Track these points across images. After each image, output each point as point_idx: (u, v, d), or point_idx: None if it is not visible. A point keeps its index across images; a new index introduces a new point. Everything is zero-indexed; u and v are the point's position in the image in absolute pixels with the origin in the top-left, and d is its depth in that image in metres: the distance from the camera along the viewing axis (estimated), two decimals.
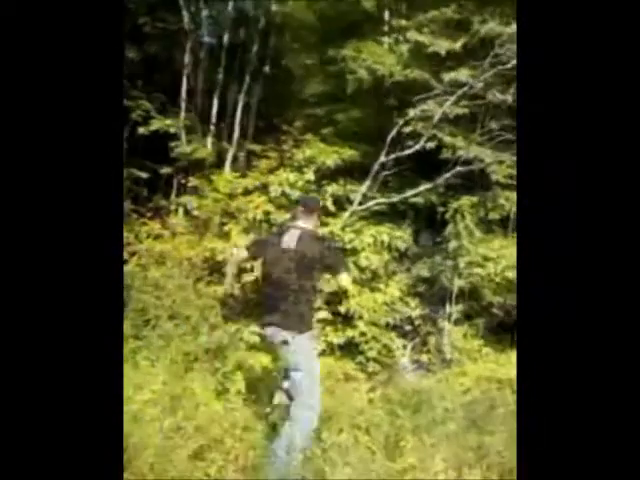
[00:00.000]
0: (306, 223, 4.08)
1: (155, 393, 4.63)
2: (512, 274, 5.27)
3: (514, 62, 5.45)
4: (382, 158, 6.18)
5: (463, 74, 5.90)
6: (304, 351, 3.86)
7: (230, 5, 9.12)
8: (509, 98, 5.62)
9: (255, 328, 5.96)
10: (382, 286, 5.86)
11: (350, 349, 5.72)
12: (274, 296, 3.95)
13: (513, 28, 5.60)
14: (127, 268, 6.98)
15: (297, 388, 3.80)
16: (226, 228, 6.87)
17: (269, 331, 4.06)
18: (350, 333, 5.74)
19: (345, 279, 4.14)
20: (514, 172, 5.53)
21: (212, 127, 8.51)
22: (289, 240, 3.98)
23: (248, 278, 6.11)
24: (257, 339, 5.90)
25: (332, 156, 6.50)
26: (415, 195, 6.02)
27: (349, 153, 6.49)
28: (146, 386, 4.79)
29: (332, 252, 4.13)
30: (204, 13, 10.02)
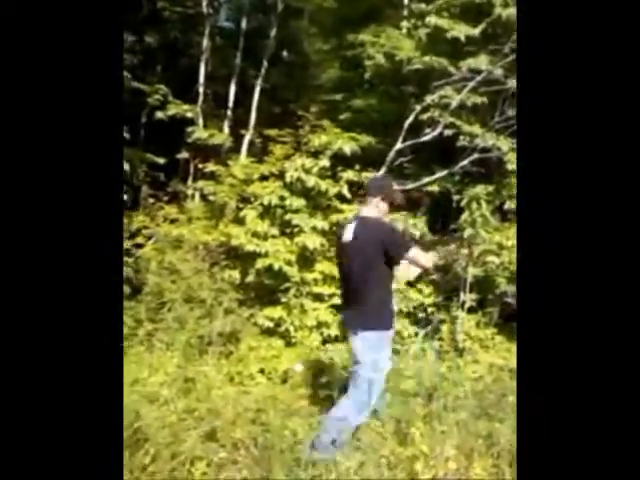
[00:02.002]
0: (369, 211, 3.66)
1: (169, 375, 4.70)
2: None
3: None
4: (399, 145, 6.15)
5: (482, 60, 5.84)
6: (368, 347, 3.59)
7: None
8: None
9: (268, 313, 6.01)
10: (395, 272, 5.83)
11: None
12: (346, 289, 3.78)
13: None
14: (143, 251, 7.06)
15: (353, 381, 3.64)
16: (242, 213, 6.89)
17: (344, 320, 3.95)
18: None
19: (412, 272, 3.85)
20: None
21: (229, 112, 8.51)
22: (347, 233, 3.65)
23: (262, 263, 6.14)
24: (270, 324, 5.95)
25: (349, 142, 6.48)
26: (431, 183, 5.97)
27: (366, 140, 6.46)
28: (161, 368, 4.86)
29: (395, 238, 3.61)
30: None
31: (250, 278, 6.47)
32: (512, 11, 5.79)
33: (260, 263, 6.28)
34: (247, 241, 6.50)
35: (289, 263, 6.21)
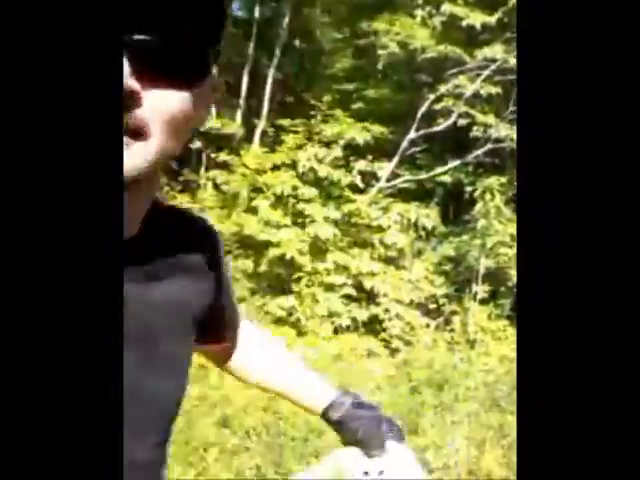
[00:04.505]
0: None
1: None
2: None
3: None
4: (412, 134, 6.13)
5: (497, 49, 5.79)
6: None
7: None
8: None
9: (280, 302, 6.05)
10: (407, 264, 5.86)
11: (374, 326, 5.75)
12: None
13: None
14: None
15: None
16: (254, 203, 6.91)
17: None
18: (374, 310, 5.76)
19: None
20: None
21: (242, 102, 8.51)
22: None
23: (274, 253, 6.17)
24: (282, 313, 5.98)
25: (361, 132, 6.47)
26: (443, 173, 5.95)
27: (378, 130, 6.45)
28: None
29: None
30: None
31: (262, 267, 6.51)
32: None
33: (272, 252, 6.31)
34: (260, 230, 6.53)
35: (301, 252, 6.23)
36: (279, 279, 6.43)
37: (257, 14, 8.92)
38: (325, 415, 0.98)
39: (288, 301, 6.04)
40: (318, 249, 6.29)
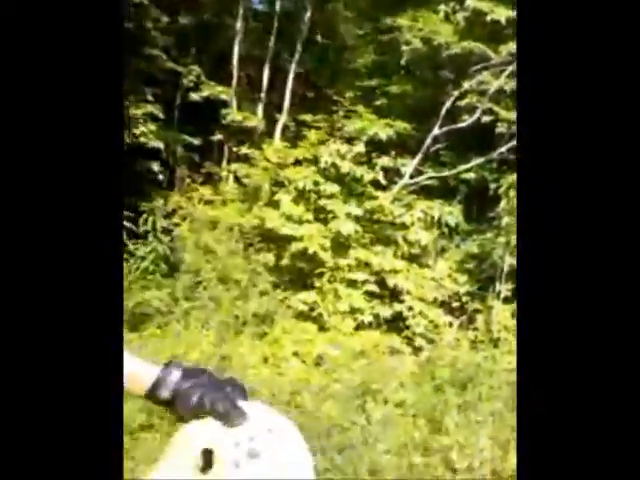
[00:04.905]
0: None
1: (205, 353, 4.80)
2: None
3: None
4: (435, 131, 6.11)
5: None
6: None
7: None
8: None
9: (303, 297, 6.09)
10: (431, 262, 5.86)
11: (397, 323, 5.77)
12: None
13: None
14: (179, 231, 7.17)
15: None
16: (276, 197, 6.94)
17: None
18: (397, 307, 5.78)
19: None
20: None
21: (263, 95, 8.51)
22: None
23: (296, 247, 6.20)
24: (304, 308, 6.02)
25: (384, 128, 6.46)
26: (467, 170, 5.93)
27: (402, 126, 6.43)
28: (197, 346, 4.96)
29: None
30: None
31: (284, 261, 6.55)
32: None
33: (294, 247, 6.34)
34: (281, 224, 6.56)
35: (323, 248, 6.26)
36: (301, 274, 6.46)
37: (278, 7, 8.90)
38: (151, 395, 0.85)
39: (310, 296, 6.07)
40: (340, 245, 6.31)
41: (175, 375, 0.84)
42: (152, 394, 0.85)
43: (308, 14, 8.44)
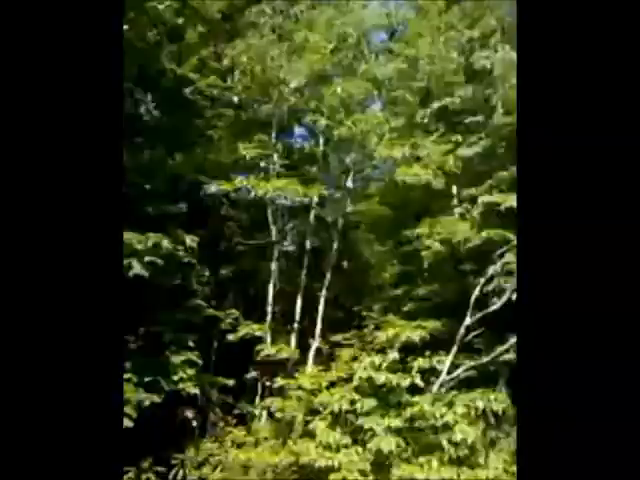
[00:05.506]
0: None
1: None
2: None
3: None
4: (467, 320, 5.65)
5: None
6: None
7: (312, 214, 9.47)
8: None
9: None
10: (482, 460, 4.91)
11: None
12: None
13: None
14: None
15: None
16: (311, 426, 6.30)
17: None
18: None
19: None
20: None
21: (296, 326, 8.35)
22: None
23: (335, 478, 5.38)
24: None
25: (416, 331, 6.04)
26: (505, 351, 5.31)
27: (432, 325, 6.01)
28: None
29: None
30: (289, 226, 10.53)
31: None
32: None
33: (333, 478, 5.55)
34: (318, 455, 5.84)
35: (364, 474, 5.43)
36: None
37: (308, 245, 9.19)
38: None
39: None
40: (381, 466, 5.47)
41: None
42: None
43: (335, 245, 8.65)
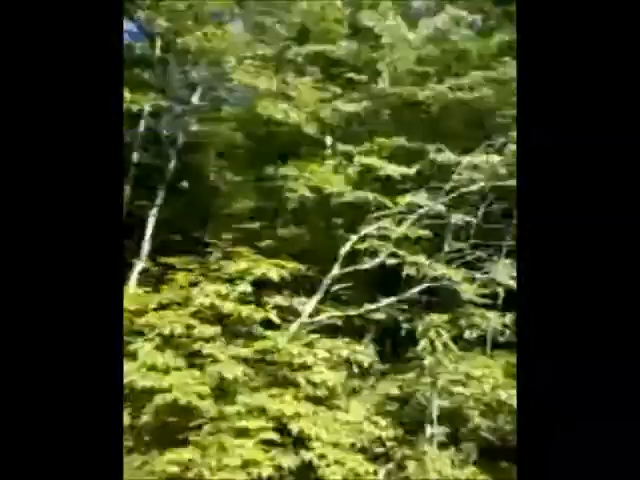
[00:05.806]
0: None
1: None
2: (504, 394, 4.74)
3: (473, 187, 5.65)
4: (335, 271, 5.73)
5: (422, 196, 5.85)
6: None
7: (142, 125, 8.64)
8: (474, 220, 5.61)
9: (174, 456, 4.80)
10: (342, 404, 5.03)
11: (307, 473, 4.65)
12: None
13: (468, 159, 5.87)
14: None
15: None
16: (131, 348, 5.71)
17: None
18: (306, 455, 4.70)
19: None
20: (486, 291, 5.39)
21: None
22: None
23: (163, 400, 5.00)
24: (176, 469, 4.72)
25: (273, 268, 5.91)
26: (375, 310, 5.52)
27: (291, 266, 5.93)
28: None
29: None
30: None
31: (144, 419, 5.27)
32: (448, 156, 6.00)
33: (160, 399, 5.15)
34: (140, 377, 5.38)
35: (201, 397, 5.15)
36: (169, 430, 5.18)
37: (136, 158, 8.39)
38: None
39: (185, 453, 4.80)
40: (223, 392, 5.26)
41: None
42: None
43: (172, 164, 8.04)
